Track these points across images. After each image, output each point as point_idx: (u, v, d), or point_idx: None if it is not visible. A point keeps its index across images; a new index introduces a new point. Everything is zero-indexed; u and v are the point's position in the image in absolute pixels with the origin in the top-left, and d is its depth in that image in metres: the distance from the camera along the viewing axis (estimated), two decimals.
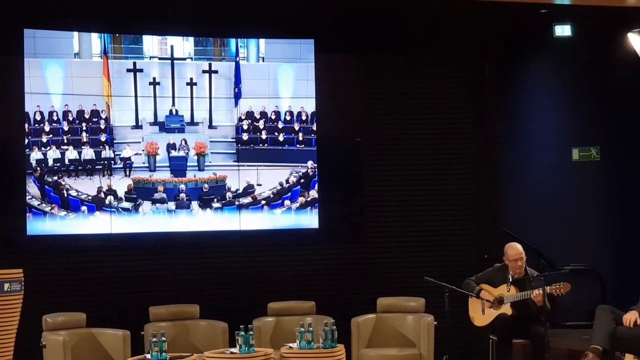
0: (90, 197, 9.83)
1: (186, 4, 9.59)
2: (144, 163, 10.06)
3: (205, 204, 10.14)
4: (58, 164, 9.76)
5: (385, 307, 9.59)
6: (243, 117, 10.31)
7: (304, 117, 10.40)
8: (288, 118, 10.39)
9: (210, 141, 10.23)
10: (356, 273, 10.29)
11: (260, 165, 10.31)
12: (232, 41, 10.32)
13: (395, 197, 10.46)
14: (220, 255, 10.13)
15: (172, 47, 10.17)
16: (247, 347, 8.06)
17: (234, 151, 10.28)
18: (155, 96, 10.10)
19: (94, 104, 9.88)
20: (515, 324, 8.41)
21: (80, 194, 9.82)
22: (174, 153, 10.12)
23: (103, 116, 9.90)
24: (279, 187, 10.31)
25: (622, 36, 10.49)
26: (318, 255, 10.31)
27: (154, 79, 10.10)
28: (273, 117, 10.37)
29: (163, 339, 7.92)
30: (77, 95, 9.81)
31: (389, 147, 10.49)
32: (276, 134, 10.37)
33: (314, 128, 10.41)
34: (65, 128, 9.79)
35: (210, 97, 10.26)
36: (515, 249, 8.65)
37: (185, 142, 10.14)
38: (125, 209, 9.94)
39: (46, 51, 9.71)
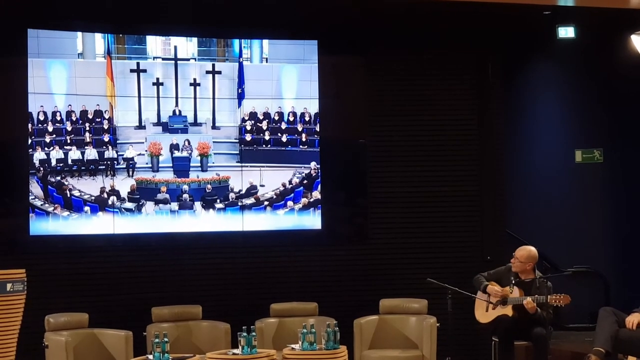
0: (93, 198, 9.83)
1: (189, 5, 9.59)
2: (147, 163, 10.06)
3: (208, 205, 10.13)
4: (61, 164, 9.76)
5: (388, 308, 9.59)
6: (246, 118, 10.31)
7: (307, 118, 10.40)
8: (291, 119, 10.39)
9: (214, 142, 10.23)
10: (359, 274, 10.28)
11: (263, 166, 10.31)
12: (236, 42, 10.31)
13: (399, 198, 10.45)
14: (223, 256, 10.13)
15: (175, 47, 10.17)
16: (250, 348, 8.06)
17: (237, 152, 10.27)
18: (158, 97, 10.10)
19: (97, 104, 9.88)
20: (516, 325, 8.40)
21: (83, 194, 9.83)
22: (177, 154, 10.12)
23: (106, 116, 9.91)
24: (281, 188, 10.31)
25: (625, 38, 10.47)
26: (321, 256, 10.30)
27: (157, 79, 10.10)
28: (276, 118, 10.37)
29: (165, 339, 7.92)
30: (80, 96, 9.81)
31: (393, 149, 10.49)
32: (279, 134, 10.37)
33: (317, 129, 10.40)
34: (69, 128, 9.79)
35: (213, 98, 10.25)
36: (520, 251, 8.65)
37: (189, 143, 10.13)
38: (128, 210, 9.93)
39: (50, 51, 9.71)
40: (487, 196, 10.56)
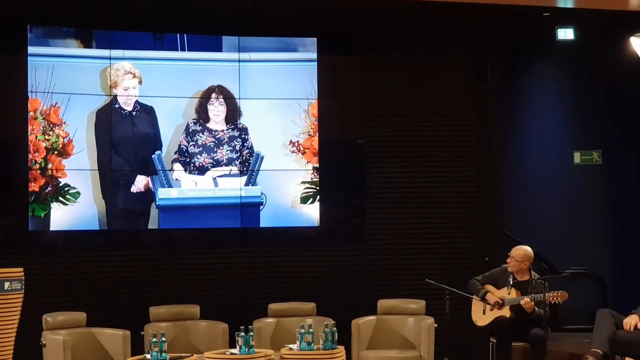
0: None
1: (188, 2, 9.57)
2: None
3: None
4: None
5: (386, 309, 9.59)
6: None
7: None
8: None
9: None
10: (357, 275, 10.28)
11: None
12: (234, 40, 10.26)
13: (397, 199, 10.45)
14: (221, 255, 10.12)
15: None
16: (248, 348, 8.05)
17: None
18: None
19: None
20: (514, 326, 8.41)
21: None
22: None
23: None
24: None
25: (624, 40, 10.45)
26: (319, 256, 10.30)
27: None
28: None
29: (163, 339, 7.91)
30: (80, 95, 9.79)
31: (391, 149, 10.48)
32: None
33: (316, 129, 10.40)
34: None
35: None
36: (516, 250, 8.67)
37: None
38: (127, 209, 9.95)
39: (50, 50, 9.70)
40: (485, 197, 10.55)
